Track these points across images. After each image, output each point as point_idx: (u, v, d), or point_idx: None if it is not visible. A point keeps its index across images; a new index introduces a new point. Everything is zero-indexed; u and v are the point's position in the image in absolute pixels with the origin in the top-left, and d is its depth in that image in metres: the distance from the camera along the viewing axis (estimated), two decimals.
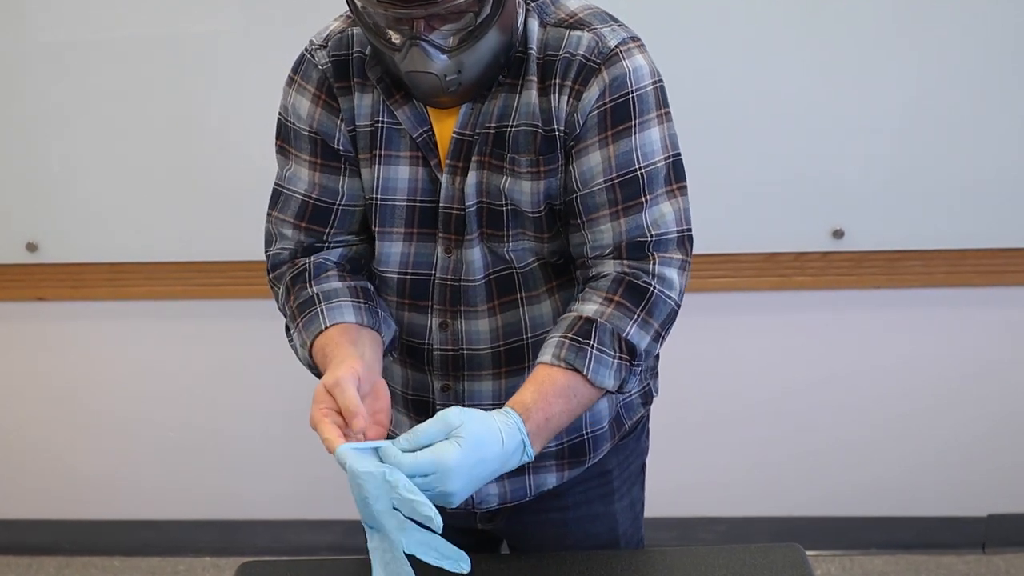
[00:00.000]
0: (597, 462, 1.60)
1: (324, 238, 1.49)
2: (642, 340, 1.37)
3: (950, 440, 2.80)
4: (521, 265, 1.47)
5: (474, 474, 1.23)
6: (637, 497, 1.72)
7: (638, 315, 1.37)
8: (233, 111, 2.58)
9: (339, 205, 1.48)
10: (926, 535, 2.87)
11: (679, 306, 1.42)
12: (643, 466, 1.73)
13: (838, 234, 2.57)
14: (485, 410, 1.36)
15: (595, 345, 1.34)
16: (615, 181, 1.39)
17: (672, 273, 1.40)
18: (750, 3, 2.44)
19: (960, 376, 2.75)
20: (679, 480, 2.58)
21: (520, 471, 1.55)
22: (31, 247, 2.69)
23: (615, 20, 1.43)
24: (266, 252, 1.53)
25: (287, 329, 1.48)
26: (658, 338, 1.40)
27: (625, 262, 1.39)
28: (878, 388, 2.76)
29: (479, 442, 1.22)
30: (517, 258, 1.46)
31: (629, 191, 1.38)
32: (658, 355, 1.69)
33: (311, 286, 1.44)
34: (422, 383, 1.56)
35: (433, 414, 1.52)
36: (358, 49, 1.45)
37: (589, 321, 1.35)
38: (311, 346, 1.40)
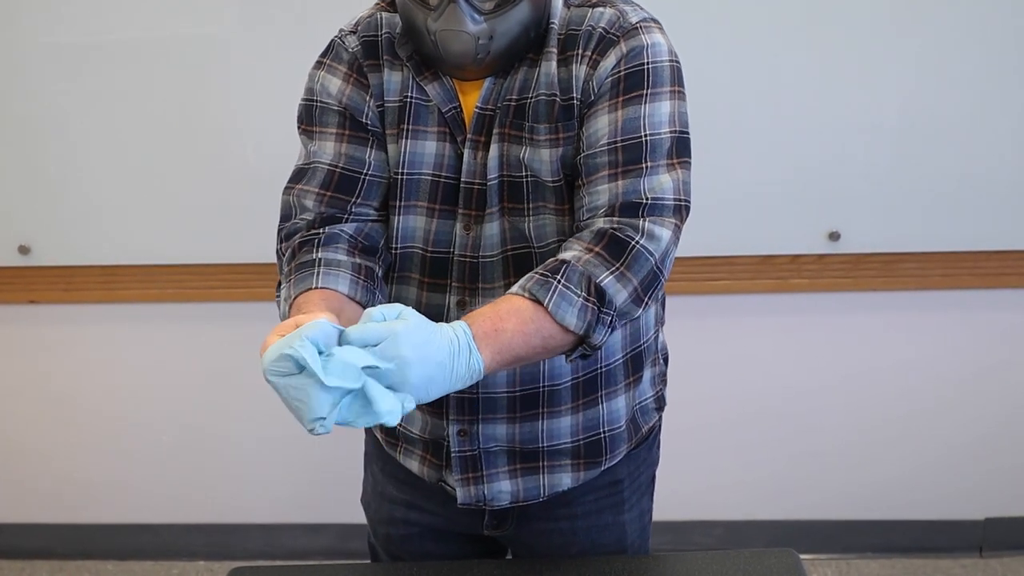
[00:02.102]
0: (609, 470, 1.60)
1: (347, 208, 1.48)
2: (618, 293, 1.34)
3: (947, 443, 2.80)
4: (540, 245, 1.47)
5: (424, 353, 1.16)
6: (646, 508, 1.72)
7: (616, 268, 1.34)
8: (228, 114, 2.57)
9: (366, 175, 1.48)
10: (923, 539, 2.87)
11: (661, 270, 1.38)
12: (653, 477, 1.73)
13: (834, 236, 2.56)
14: (499, 396, 1.48)
15: (561, 281, 1.31)
16: (619, 144, 1.39)
17: (662, 232, 1.37)
18: (746, 6, 2.43)
19: (957, 379, 2.75)
20: (675, 483, 2.56)
21: (535, 470, 1.56)
22: (23, 250, 2.68)
23: (637, 4, 1.47)
24: (280, 226, 1.50)
25: (278, 286, 1.46)
26: (638, 299, 1.36)
27: (615, 219, 1.37)
28: (875, 391, 2.76)
29: (425, 325, 1.19)
30: (537, 236, 1.46)
31: (630, 155, 1.39)
32: (667, 360, 1.70)
33: (317, 251, 1.43)
34: None
35: (445, 404, 1.53)
36: (387, 31, 1.49)
37: (562, 262, 1.34)
38: (292, 301, 1.38)
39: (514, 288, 1.33)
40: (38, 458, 2.96)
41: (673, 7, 2.42)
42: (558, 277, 1.31)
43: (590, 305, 1.32)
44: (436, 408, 1.54)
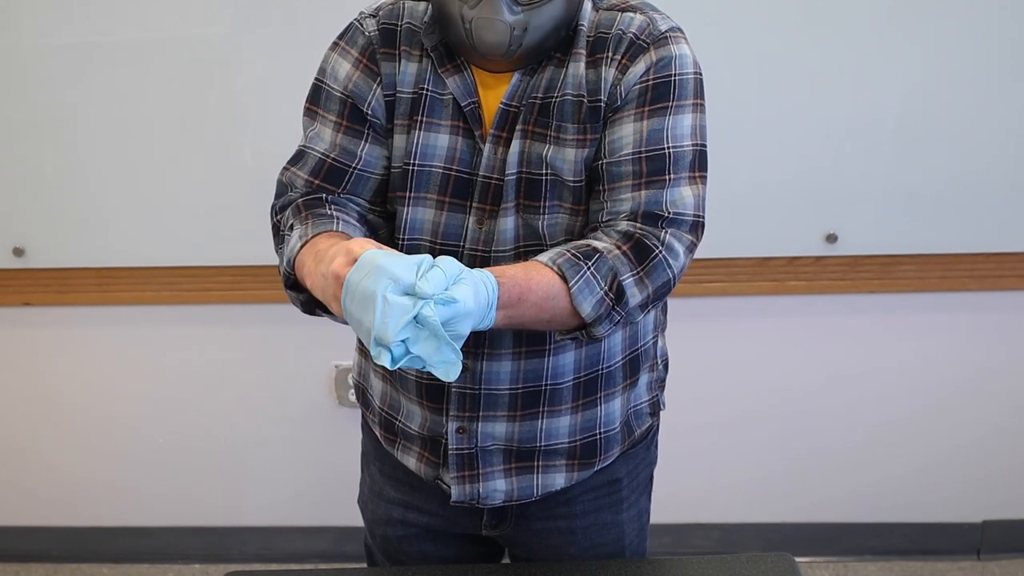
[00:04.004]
0: (607, 469, 1.60)
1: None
2: (633, 296, 1.37)
3: (945, 445, 2.79)
4: (553, 243, 1.47)
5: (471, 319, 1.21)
6: (644, 507, 1.72)
7: (638, 271, 1.37)
8: (224, 117, 2.56)
9: (355, 168, 1.49)
10: (921, 541, 2.86)
11: (674, 282, 1.42)
12: (651, 476, 1.73)
13: (831, 238, 2.56)
14: (501, 393, 1.49)
15: (591, 268, 1.34)
16: (643, 154, 1.41)
17: (680, 247, 1.41)
18: (743, 7, 2.43)
19: (955, 381, 2.74)
20: (672, 486, 2.56)
21: (529, 469, 1.56)
22: (17, 252, 2.68)
23: (662, 11, 1.49)
24: (275, 202, 1.51)
25: (290, 229, 1.44)
26: (646, 305, 1.40)
27: (638, 224, 1.40)
28: (872, 393, 2.75)
29: (476, 291, 1.21)
30: (550, 234, 1.47)
31: (655, 166, 1.41)
32: (667, 366, 1.70)
33: (331, 209, 1.44)
34: None
35: (446, 400, 1.52)
36: (408, 20, 1.50)
37: (595, 250, 1.36)
38: (309, 239, 1.37)
39: (544, 258, 1.35)
40: (32, 461, 2.95)
41: (672, 8, 2.42)
42: (589, 264, 1.34)
43: (608, 300, 1.35)
44: (436, 403, 1.54)
